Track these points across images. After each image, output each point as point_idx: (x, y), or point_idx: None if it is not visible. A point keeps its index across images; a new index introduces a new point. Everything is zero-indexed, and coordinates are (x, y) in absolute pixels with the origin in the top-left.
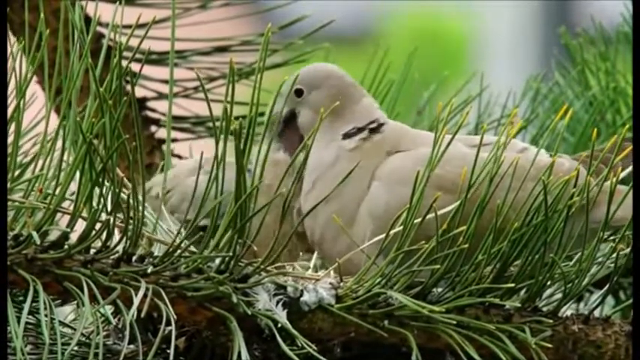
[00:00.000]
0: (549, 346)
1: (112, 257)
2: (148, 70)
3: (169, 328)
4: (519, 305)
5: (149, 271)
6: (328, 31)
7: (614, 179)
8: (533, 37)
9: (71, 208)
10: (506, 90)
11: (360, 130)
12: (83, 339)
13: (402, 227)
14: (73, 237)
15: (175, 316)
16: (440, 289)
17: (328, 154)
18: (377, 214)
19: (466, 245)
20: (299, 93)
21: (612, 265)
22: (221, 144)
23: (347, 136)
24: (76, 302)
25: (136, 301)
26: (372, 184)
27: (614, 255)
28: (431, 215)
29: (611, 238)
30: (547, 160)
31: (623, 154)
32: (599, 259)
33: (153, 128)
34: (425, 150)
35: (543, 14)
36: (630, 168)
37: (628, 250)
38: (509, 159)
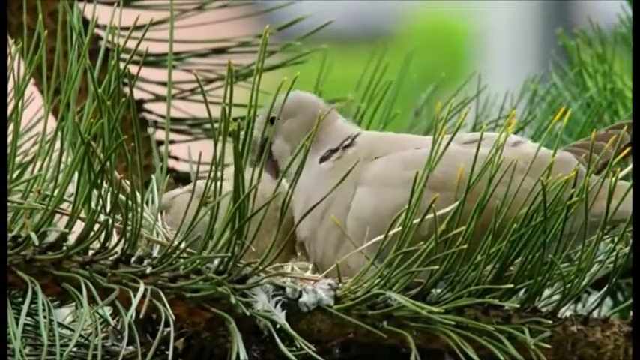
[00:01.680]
0: (548, 346)
1: (110, 258)
2: (145, 72)
3: (168, 329)
4: (518, 306)
5: (148, 272)
6: (328, 31)
7: (614, 178)
8: (533, 38)
9: (70, 209)
10: (505, 91)
11: (333, 151)
12: (82, 340)
13: (400, 228)
14: (72, 238)
15: (174, 317)
16: (439, 290)
17: (311, 177)
18: (365, 217)
19: (465, 246)
20: (272, 121)
21: (611, 265)
22: (219, 145)
23: (323, 159)
24: (74, 303)
25: (135, 302)
26: (357, 190)
27: (613, 255)
28: (429, 216)
29: (611, 238)
30: (539, 153)
31: (621, 155)
32: (599, 259)
33: (150, 130)
34: (412, 152)
35: (543, 15)
36: (630, 167)
37: (627, 249)
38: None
